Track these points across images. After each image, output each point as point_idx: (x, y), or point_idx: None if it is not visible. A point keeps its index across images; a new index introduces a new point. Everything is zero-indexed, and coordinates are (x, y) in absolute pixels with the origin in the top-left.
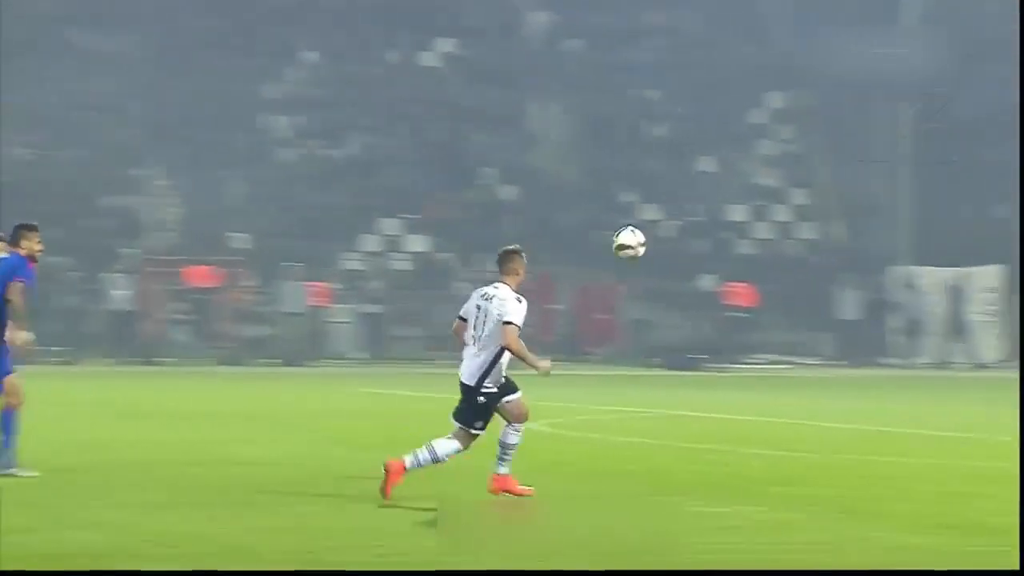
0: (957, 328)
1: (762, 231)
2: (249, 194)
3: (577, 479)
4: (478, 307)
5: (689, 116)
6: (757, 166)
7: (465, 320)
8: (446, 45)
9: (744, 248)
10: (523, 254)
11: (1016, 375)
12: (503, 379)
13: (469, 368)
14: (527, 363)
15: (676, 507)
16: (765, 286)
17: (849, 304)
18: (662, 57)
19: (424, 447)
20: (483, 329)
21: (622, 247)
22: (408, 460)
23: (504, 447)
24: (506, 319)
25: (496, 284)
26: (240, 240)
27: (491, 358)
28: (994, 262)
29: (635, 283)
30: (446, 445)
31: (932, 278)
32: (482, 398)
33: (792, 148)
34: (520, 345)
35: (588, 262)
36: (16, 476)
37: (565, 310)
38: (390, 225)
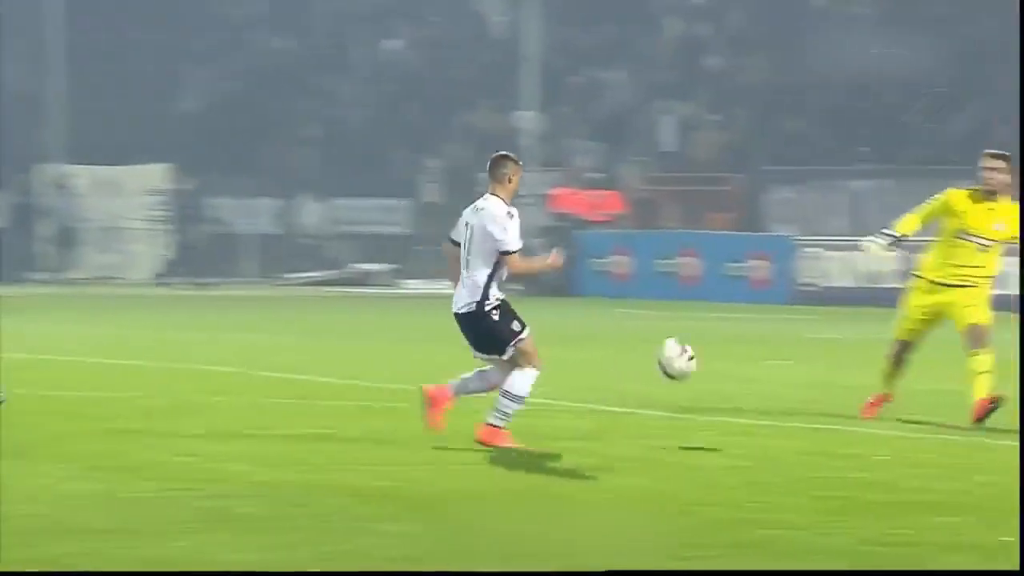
0: (115, 236)
1: None
2: None
3: None
4: (467, 224)
5: None
6: None
7: (458, 243)
8: None
9: None
10: (518, 161)
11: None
12: (503, 298)
13: (462, 295)
14: (542, 272)
15: None
16: None
17: None
18: None
19: (475, 372)
20: (470, 247)
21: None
22: (453, 385)
23: (507, 397)
24: (503, 249)
25: (486, 196)
26: None
27: (485, 279)
28: (159, 160)
29: None
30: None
31: (88, 178)
32: (495, 314)
33: None
34: (529, 265)
35: None
36: None
37: None
38: None
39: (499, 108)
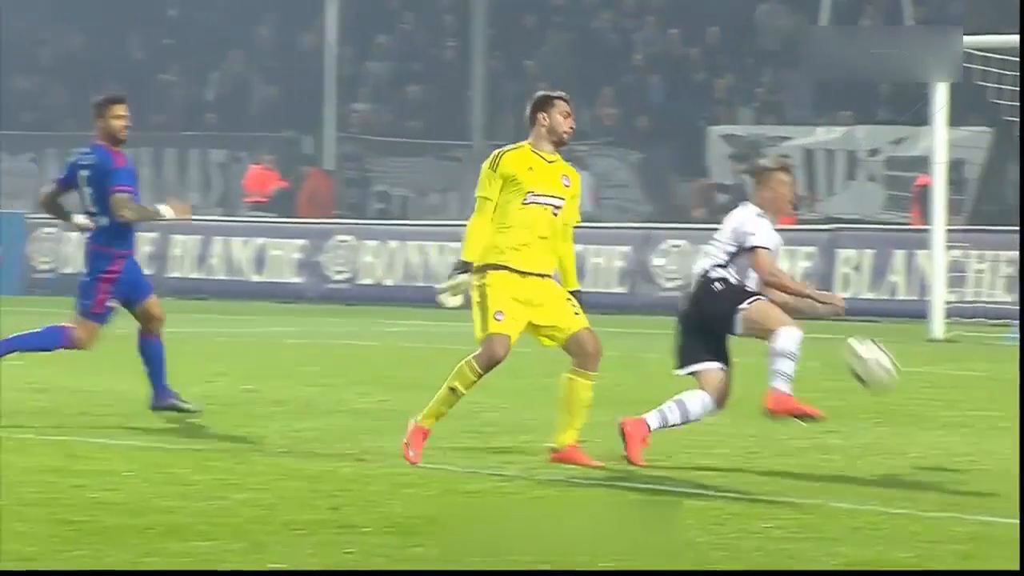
0: None
1: None
2: None
3: None
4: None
5: None
6: None
7: None
8: None
9: None
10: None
11: None
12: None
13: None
14: (809, 298)
15: None
16: None
17: None
18: None
19: (672, 401)
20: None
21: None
22: (653, 419)
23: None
24: (751, 243)
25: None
26: None
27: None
28: None
29: None
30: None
31: None
32: (718, 285)
33: None
34: (783, 274)
35: None
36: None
37: None
38: None
39: None
